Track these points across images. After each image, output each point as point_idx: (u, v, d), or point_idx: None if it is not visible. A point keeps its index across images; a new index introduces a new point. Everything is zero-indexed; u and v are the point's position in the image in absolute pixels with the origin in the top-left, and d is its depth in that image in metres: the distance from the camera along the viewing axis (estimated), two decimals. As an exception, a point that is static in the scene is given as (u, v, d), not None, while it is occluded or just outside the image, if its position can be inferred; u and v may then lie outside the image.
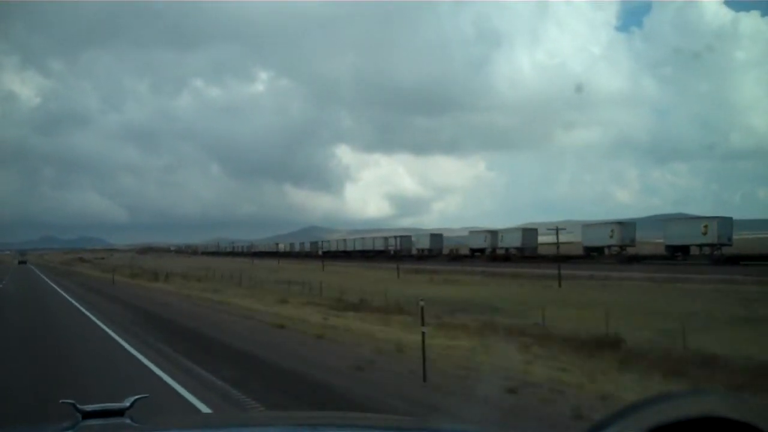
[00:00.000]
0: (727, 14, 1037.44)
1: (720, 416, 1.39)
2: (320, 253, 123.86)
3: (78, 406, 2.40)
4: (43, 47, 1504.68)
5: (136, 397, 2.51)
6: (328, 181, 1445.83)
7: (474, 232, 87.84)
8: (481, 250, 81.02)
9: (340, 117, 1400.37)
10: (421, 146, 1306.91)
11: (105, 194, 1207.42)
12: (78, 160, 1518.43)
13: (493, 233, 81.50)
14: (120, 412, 2.43)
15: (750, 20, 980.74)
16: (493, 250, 79.71)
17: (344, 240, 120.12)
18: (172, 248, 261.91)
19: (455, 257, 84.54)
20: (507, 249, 78.10)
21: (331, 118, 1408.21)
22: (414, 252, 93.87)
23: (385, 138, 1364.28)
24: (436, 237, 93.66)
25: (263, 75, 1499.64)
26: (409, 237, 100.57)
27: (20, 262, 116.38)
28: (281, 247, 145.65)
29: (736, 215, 65.51)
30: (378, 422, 3.14)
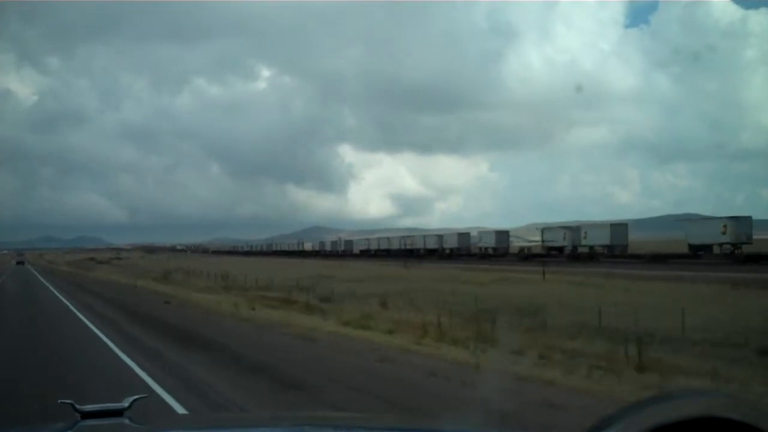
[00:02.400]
0: (735, 12, 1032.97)
1: (720, 416, 1.44)
2: (355, 252, 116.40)
3: (77, 406, 2.40)
4: (40, 43, 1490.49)
5: (135, 397, 2.50)
6: (330, 180, 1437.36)
7: (549, 229, 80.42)
8: (559, 249, 73.05)
9: (343, 115, 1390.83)
10: (425, 145, 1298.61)
11: (104, 194, 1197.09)
12: (77, 159, 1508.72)
13: (574, 229, 74.35)
14: (119, 413, 2.42)
15: (759, 17, 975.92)
16: (574, 248, 71.72)
17: (387, 238, 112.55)
18: (178, 247, 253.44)
19: (526, 257, 76.49)
20: (591, 247, 70.02)
21: (334, 116, 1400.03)
22: (475, 251, 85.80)
23: (389, 137, 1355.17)
24: (502, 234, 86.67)
25: (265, 72, 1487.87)
26: (467, 234, 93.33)
27: (18, 263, 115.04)
28: (308, 246, 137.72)
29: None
30: (379, 422, 3.11)
